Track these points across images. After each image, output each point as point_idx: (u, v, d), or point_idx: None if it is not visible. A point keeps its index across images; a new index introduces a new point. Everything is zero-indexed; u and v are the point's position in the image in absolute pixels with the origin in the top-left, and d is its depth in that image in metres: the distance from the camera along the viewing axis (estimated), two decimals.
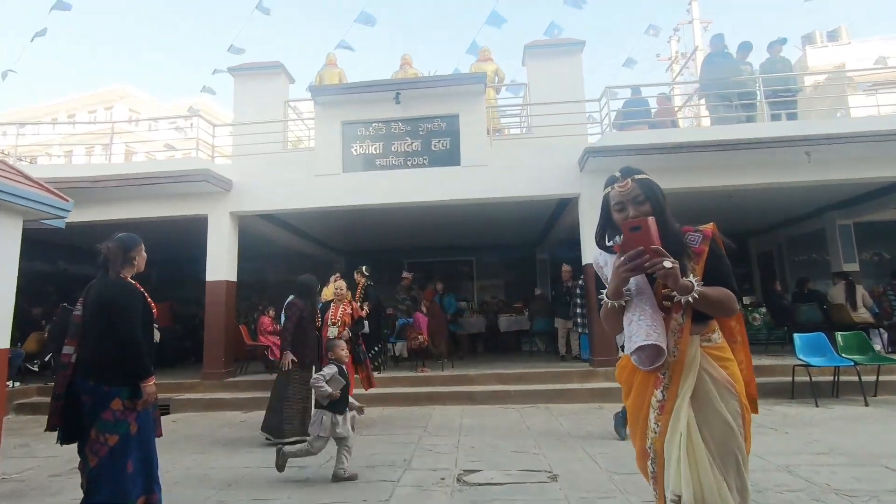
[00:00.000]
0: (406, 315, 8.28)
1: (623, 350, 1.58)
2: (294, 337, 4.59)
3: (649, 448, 1.49)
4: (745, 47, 6.99)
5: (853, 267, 9.62)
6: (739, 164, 6.72)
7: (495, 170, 7.29)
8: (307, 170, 7.64)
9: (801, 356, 5.80)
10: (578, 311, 7.44)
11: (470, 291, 13.00)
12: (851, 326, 7.21)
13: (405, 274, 9.43)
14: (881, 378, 5.86)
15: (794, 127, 6.51)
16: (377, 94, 7.57)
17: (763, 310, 9.33)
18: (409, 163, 7.53)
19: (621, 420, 4.38)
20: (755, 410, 1.50)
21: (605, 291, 1.55)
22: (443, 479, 3.37)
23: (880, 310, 8.01)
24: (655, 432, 1.47)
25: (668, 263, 1.37)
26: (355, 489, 3.23)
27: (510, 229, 10.62)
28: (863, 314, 7.68)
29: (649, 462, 1.50)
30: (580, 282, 7.50)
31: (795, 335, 6.10)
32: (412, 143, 7.55)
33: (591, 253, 7.08)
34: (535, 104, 7.84)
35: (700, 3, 16.50)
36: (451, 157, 7.42)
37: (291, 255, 12.10)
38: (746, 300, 10.26)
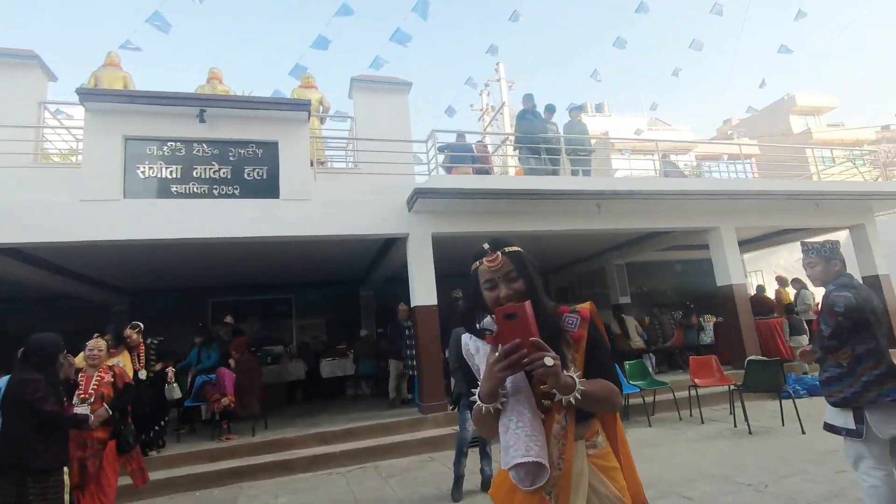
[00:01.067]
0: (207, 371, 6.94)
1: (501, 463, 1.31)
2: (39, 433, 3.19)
3: None
4: (551, 108, 7.90)
5: (626, 300, 11.52)
6: (546, 210, 7.42)
7: (319, 205, 6.70)
8: (66, 192, 5.95)
9: None
10: (410, 352, 7.21)
11: (288, 332, 11.83)
12: (629, 353, 8.47)
13: (227, 319, 8.07)
14: (657, 399, 6.88)
15: (589, 182, 7.48)
16: (175, 108, 6.38)
17: None
18: (216, 191, 6.44)
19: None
20: None
21: (476, 392, 1.30)
22: None
23: (648, 337, 9.62)
24: None
25: (549, 360, 1.17)
26: None
27: (333, 266, 10.01)
28: (637, 342, 9.11)
29: None
30: (409, 322, 7.31)
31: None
32: (220, 169, 6.50)
33: (420, 295, 7.05)
34: (362, 139, 7.56)
35: (505, 66, 18.68)
36: (268, 189, 6.59)
37: (53, 297, 9.41)
38: None
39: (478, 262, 1.39)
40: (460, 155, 7.74)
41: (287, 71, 6.43)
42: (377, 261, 9.61)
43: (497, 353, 1.20)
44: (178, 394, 6.10)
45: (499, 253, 1.35)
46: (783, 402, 5.76)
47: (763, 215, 8.65)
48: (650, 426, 6.22)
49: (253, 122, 6.65)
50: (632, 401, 6.69)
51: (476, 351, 1.39)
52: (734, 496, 3.61)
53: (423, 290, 6.84)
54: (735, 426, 5.77)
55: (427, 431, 6.23)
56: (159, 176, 6.30)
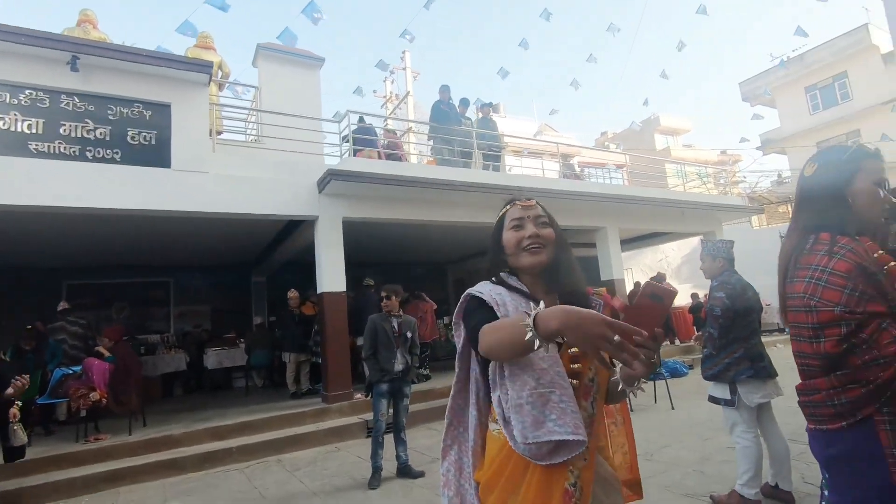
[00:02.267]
0: (71, 362, 5.98)
1: (516, 434, 1.11)
2: None
3: None
4: (465, 102, 8.06)
5: None
6: (457, 202, 7.56)
7: (217, 179, 6.10)
8: None
9: None
10: (317, 338, 6.92)
11: (164, 320, 10.61)
12: None
13: (61, 305, 6.90)
14: None
15: (500, 177, 7.78)
16: (36, 50, 5.34)
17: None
18: (90, 154, 5.53)
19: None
20: (640, 494, 1.38)
21: (538, 309, 0.98)
22: None
23: None
24: None
25: (655, 359, 1.03)
26: None
27: (222, 248, 9.18)
28: None
29: None
30: (298, 310, 7.02)
31: None
32: (97, 128, 5.60)
33: (328, 281, 6.78)
34: (269, 112, 7.01)
35: (411, 55, 18.59)
36: (156, 157, 5.83)
37: None
38: (446, 319, 11.70)
39: (508, 206, 1.33)
40: (372, 139, 7.55)
41: (174, 27, 5.71)
42: (274, 244, 9.02)
43: (625, 327, 0.92)
44: (22, 439, 3.63)
45: (535, 199, 1.31)
46: (656, 382, 6.58)
47: (641, 219, 9.74)
48: None
49: (141, 79, 5.82)
50: None
51: (503, 303, 1.20)
52: None
53: (331, 276, 6.58)
54: None
55: (332, 421, 6.03)
56: (13, 129, 5.24)
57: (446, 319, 11.54)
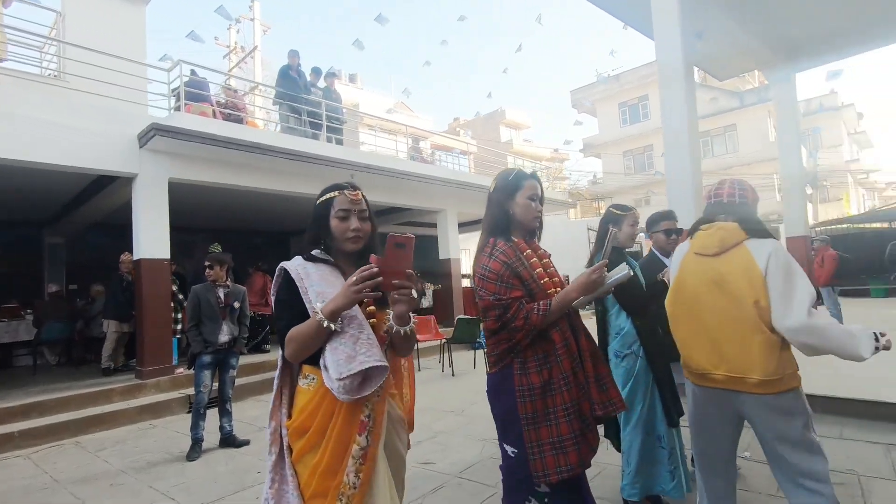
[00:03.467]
0: None
1: (331, 373, 1.29)
2: None
3: None
4: (317, 71, 7.82)
5: None
6: (300, 172, 7.39)
7: None
8: None
9: None
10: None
11: None
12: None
13: None
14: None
15: (347, 152, 7.80)
16: None
17: None
18: None
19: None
20: (411, 429, 1.63)
21: (319, 307, 1.30)
22: None
23: None
24: (355, 487, 1.32)
25: (414, 293, 1.32)
26: None
27: (2, 201, 7.60)
28: None
29: None
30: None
31: None
32: None
33: (147, 246, 6.13)
34: (76, 46, 5.96)
35: (262, 7, 17.09)
36: None
37: None
38: None
39: (337, 192, 1.47)
40: (206, 95, 6.93)
41: None
42: (78, 202, 7.76)
43: (363, 274, 1.25)
44: None
45: (359, 190, 1.50)
46: (476, 351, 7.46)
47: (478, 204, 10.66)
48: None
49: None
50: None
51: (307, 275, 1.40)
52: (444, 421, 4.61)
53: (152, 241, 5.98)
54: (443, 371, 7.15)
55: (148, 397, 5.58)
56: None
57: None
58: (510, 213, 1.75)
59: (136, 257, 6.03)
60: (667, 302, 2.02)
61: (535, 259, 1.74)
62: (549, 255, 1.85)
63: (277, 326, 1.41)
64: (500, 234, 1.74)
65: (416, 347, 1.60)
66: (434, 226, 10.27)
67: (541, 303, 1.61)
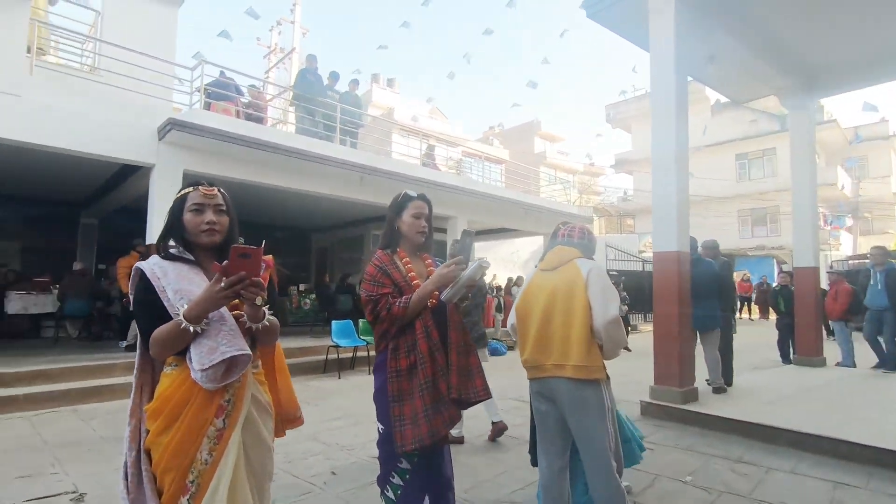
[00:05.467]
0: None
1: (195, 364, 1.38)
2: None
3: (192, 483, 1.40)
4: (335, 76, 8.14)
5: None
6: (313, 172, 7.70)
7: (35, 106, 5.53)
8: None
9: (334, 338, 7.23)
10: None
11: None
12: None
13: None
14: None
15: (356, 155, 8.06)
16: None
17: (313, 296, 10.96)
18: None
19: None
20: (300, 420, 1.75)
21: (181, 309, 1.36)
22: None
23: None
24: (206, 463, 1.41)
25: (259, 300, 1.41)
26: None
27: (44, 181, 8.22)
28: None
29: (186, 498, 1.39)
30: None
31: (333, 321, 7.54)
32: None
33: (158, 230, 6.50)
34: (111, 43, 6.42)
35: (302, 11, 17.75)
36: None
37: None
38: (302, 287, 11.76)
39: (190, 189, 1.53)
40: (228, 94, 7.32)
41: None
42: (109, 186, 8.32)
43: (223, 282, 1.32)
44: None
45: (216, 187, 1.55)
46: None
47: (489, 213, 10.76)
48: (370, 374, 7.28)
49: None
50: (359, 353, 7.64)
51: (164, 274, 1.44)
52: None
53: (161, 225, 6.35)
54: None
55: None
56: None
57: (301, 287, 11.60)
58: (397, 229, 2.03)
59: (146, 243, 6.42)
60: (514, 309, 2.41)
61: (412, 265, 2.00)
62: (439, 263, 2.04)
63: (139, 327, 1.47)
64: (388, 246, 2.03)
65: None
66: (444, 231, 10.40)
67: (404, 296, 1.89)
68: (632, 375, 5.42)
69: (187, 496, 1.38)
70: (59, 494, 2.93)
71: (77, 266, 8.39)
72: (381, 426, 1.91)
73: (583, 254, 2.31)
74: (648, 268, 16.30)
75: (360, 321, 8.07)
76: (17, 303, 7.86)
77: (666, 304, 4.76)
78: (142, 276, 1.45)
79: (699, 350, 5.12)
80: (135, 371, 1.53)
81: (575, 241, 2.38)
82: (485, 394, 1.95)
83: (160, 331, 1.38)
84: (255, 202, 9.23)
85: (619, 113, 27.22)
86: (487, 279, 13.14)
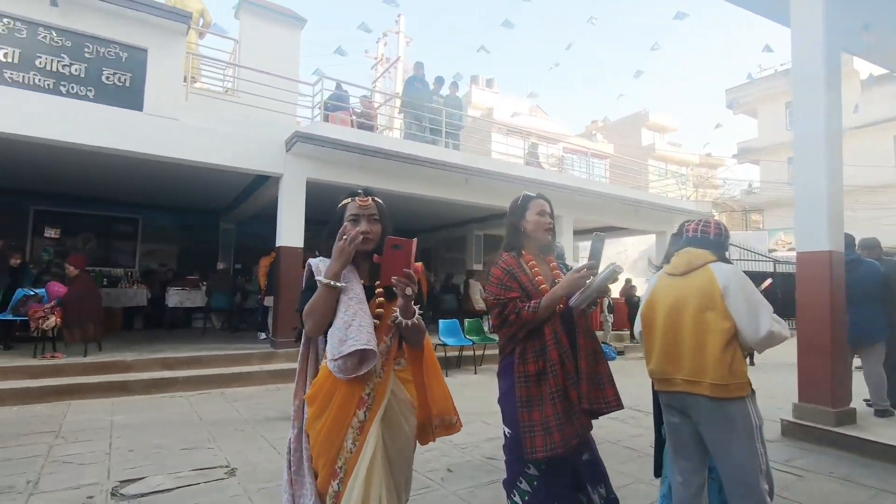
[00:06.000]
0: (35, 284, 6.33)
1: (328, 354, 1.52)
2: None
3: (340, 468, 1.53)
4: (440, 81, 8.36)
5: (479, 267, 12.80)
6: (420, 175, 7.96)
7: (188, 127, 6.38)
8: None
9: (441, 337, 7.41)
10: None
11: (130, 256, 10.89)
12: (472, 312, 9.65)
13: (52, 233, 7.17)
14: (486, 353, 8.06)
15: (461, 156, 8.19)
16: None
17: None
18: (63, 88, 5.75)
19: None
20: (456, 425, 1.79)
21: (321, 276, 1.53)
22: (91, 497, 2.83)
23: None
24: (351, 452, 1.53)
25: (409, 291, 1.48)
26: None
27: (194, 192, 9.45)
28: (479, 303, 10.34)
29: (336, 482, 1.52)
30: None
31: (439, 321, 7.74)
32: (72, 64, 5.80)
33: (287, 235, 7.18)
34: (249, 68, 7.22)
35: (406, 20, 18.48)
36: (130, 99, 6.08)
37: None
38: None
39: (349, 199, 1.67)
40: (343, 105, 7.84)
41: None
42: (245, 195, 9.33)
43: (343, 241, 1.50)
44: None
45: (370, 197, 1.70)
46: None
47: (595, 211, 10.32)
48: (476, 373, 7.35)
49: (120, 21, 6.00)
50: (465, 352, 7.76)
51: (320, 272, 1.60)
52: None
53: (290, 232, 6.99)
54: None
55: (278, 364, 6.56)
56: None
57: None
58: (521, 230, 2.01)
59: (277, 244, 7.10)
60: (639, 316, 2.24)
61: (538, 269, 1.96)
62: (565, 268, 2.03)
63: (299, 310, 1.62)
64: (512, 249, 2.01)
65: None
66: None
67: (533, 301, 1.84)
68: (764, 388, 4.85)
69: (336, 480, 1.52)
70: (216, 468, 3.34)
71: (220, 266, 9.54)
72: (507, 430, 1.89)
73: (716, 255, 2.06)
74: (781, 269, 14.54)
75: (466, 321, 8.19)
76: (175, 297, 9.14)
77: (815, 311, 4.17)
78: (309, 269, 1.67)
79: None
80: (299, 358, 1.73)
81: (710, 237, 2.10)
82: (616, 404, 1.87)
83: (309, 302, 1.55)
84: None
85: (742, 97, 24.57)
86: None
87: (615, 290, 11.45)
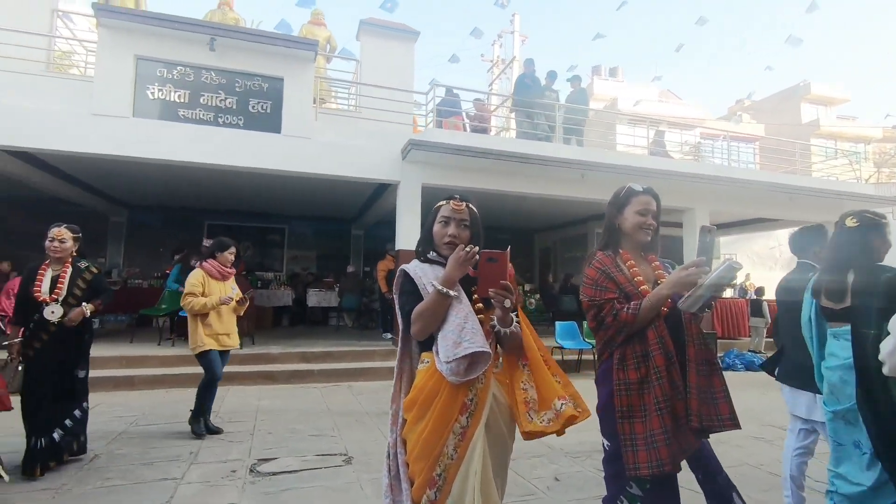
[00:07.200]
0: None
1: (441, 356, 1.50)
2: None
3: (439, 476, 1.49)
4: (552, 76, 8.12)
5: None
6: (534, 174, 7.81)
7: (319, 145, 7.06)
8: (79, 103, 6.25)
9: (558, 339, 7.17)
10: None
11: (279, 261, 12.42)
12: None
13: (206, 242, 8.52)
14: None
15: (575, 151, 7.85)
16: (186, 34, 6.56)
17: (537, 296, 11.13)
18: (220, 120, 6.76)
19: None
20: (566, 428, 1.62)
21: (436, 283, 1.53)
22: (234, 471, 3.27)
23: None
24: (452, 458, 1.49)
25: (507, 302, 1.49)
26: (128, 492, 2.92)
27: (328, 202, 10.43)
28: None
29: (433, 491, 1.49)
30: None
31: (557, 322, 7.49)
32: (227, 98, 6.79)
33: (405, 239, 7.56)
34: (366, 84, 7.78)
35: (521, 19, 18.31)
36: (270, 123, 6.91)
37: (45, 201, 9.66)
38: (527, 287, 12.08)
39: (444, 202, 1.70)
40: (455, 111, 8.00)
41: (295, 1, 6.64)
42: (370, 203, 10.04)
43: (464, 253, 1.49)
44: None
45: (465, 202, 1.70)
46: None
47: (737, 202, 9.11)
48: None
49: (261, 56, 6.86)
50: (584, 356, 7.40)
51: (424, 274, 1.63)
52: None
53: (408, 235, 7.33)
54: None
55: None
56: (168, 99, 6.58)
57: (527, 287, 11.93)
58: (618, 227, 1.84)
59: (396, 249, 7.50)
60: None
61: (638, 268, 1.79)
62: (669, 266, 1.83)
63: (403, 313, 1.64)
64: (608, 247, 1.86)
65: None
66: (679, 225, 9.27)
67: (633, 302, 1.68)
68: None
69: (434, 489, 1.48)
70: (335, 455, 3.64)
71: (350, 268, 10.39)
72: (606, 442, 1.75)
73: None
74: None
75: (584, 323, 7.82)
76: (314, 298, 10.19)
77: None
78: (405, 275, 1.67)
79: None
80: (396, 361, 1.75)
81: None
82: (732, 423, 1.62)
83: (420, 305, 1.56)
84: (481, 206, 9.85)
85: None
86: (739, 279, 11.18)
87: (769, 291, 9.99)
